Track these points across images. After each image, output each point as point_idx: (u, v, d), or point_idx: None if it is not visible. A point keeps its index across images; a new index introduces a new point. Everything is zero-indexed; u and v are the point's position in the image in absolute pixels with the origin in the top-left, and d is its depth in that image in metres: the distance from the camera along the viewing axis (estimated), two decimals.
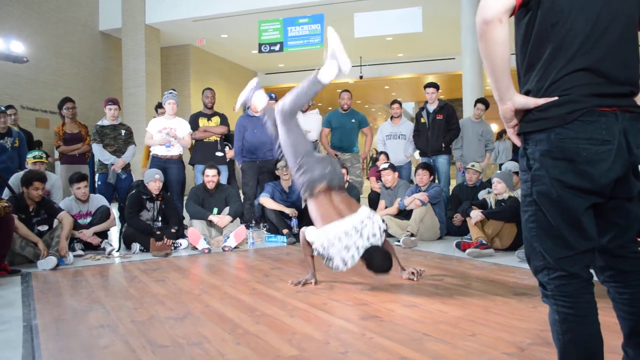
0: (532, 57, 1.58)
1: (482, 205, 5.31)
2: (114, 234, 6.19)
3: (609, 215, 1.61)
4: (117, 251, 5.42)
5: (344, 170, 6.70)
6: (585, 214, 1.54)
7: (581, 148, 1.48)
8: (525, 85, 1.61)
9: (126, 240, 5.58)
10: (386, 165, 6.49)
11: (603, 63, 1.50)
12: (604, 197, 1.55)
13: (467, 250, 4.88)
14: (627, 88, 1.53)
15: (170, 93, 6.61)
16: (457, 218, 5.98)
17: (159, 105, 7.14)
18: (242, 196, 6.70)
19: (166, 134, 6.31)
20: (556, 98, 1.51)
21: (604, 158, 1.48)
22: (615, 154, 1.49)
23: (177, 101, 6.55)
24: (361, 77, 16.65)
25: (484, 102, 7.50)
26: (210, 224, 5.81)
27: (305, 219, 6.41)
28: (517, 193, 5.47)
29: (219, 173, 5.99)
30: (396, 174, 6.50)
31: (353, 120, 7.44)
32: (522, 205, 1.64)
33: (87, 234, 5.38)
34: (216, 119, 6.96)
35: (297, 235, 5.91)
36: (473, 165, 6.34)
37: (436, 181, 6.76)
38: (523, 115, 1.58)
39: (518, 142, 1.63)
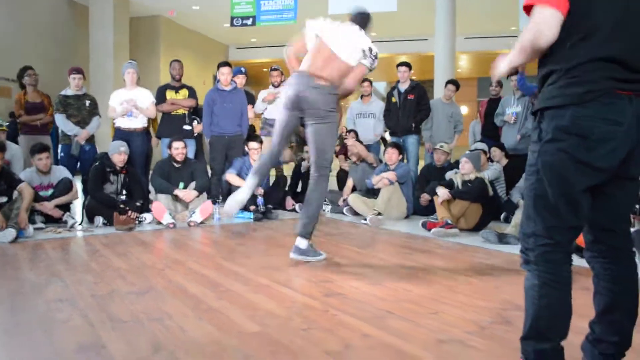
0: (558, 43, 1.63)
1: (449, 185, 5.35)
2: (77, 206, 6.05)
3: (611, 193, 1.71)
4: (79, 224, 5.31)
5: None
6: (584, 192, 1.65)
7: (595, 126, 1.58)
8: (546, 66, 1.69)
9: (89, 214, 5.46)
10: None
11: (625, 53, 1.60)
12: (608, 175, 1.64)
13: (433, 230, 4.92)
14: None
15: (130, 63, 6.46)
16: (424, 198, 6.01)
17: None
18: (209, 171, 6.61)
19: (126, 103, 6.17)
20: (575, 78, 1.61)
21: (614, 137, 1.58)
22: (625, 134, 1.59)
23: (136, 71, 6.40)
24: None
25: (454, 83, 7.52)
26: (176, 198, 5.72)
27: (271, 199, 6.39)
28: (484, 174, 5.53)
29: (185, 146, 5.89)
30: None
31: None
32: (526, 174, 1.74)
33: (48, 207, 5.25)
34: (184, 92, 6.82)
35: (264, 213, 5.88)
36: (442, 146, 6.37)
37: (405, 161, 6.78)
38: (543, 94, 1.69)
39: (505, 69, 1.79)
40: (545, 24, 1.58)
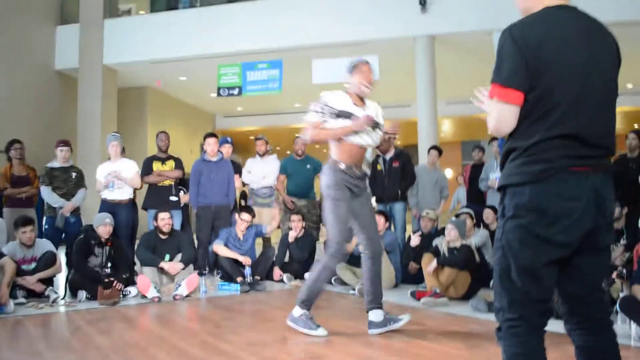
0: (521, 121, 1.72)
1: (435, 252, 5.34)
2: (60, 280, 5.93)
3: (579, 266, 1.74)
4: (62, 299, 5.19)
5: (299, 217, 6.68)
6: (546, 267, 1.68)
7: (551, 203, 1.65)
8: (509, 142, 1.78)
9: (72, 288, 5.35)
10: None
11: (580, 131, 1.68)
12: (568, 250, 1.68)
13: (422, 300, 4.87)
14: (603, 151, 1.74)
15: (113, 136, 6.52)
16: (412, 266, 5.98)
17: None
18: (195, 242, 6.56)
19: (109, 175, 6.19)
20: (533, 157, 1.69)
21: (572, 213, 1.65)
22: (584, 209, 1.65)
23: (120, 143, 6.45)
24: None
25: (437, 149, 7.66)
26: (162, 271, 5.64)
27: (259, 270, 6.33)
28: (471, 241, 5.53)
29: (171, 217, 5.87)
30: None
31: (308, 166, 7.45)
32: (493, 249, 1.81)
33: (30, 281, 5.14)
34: (170, 163, 6.86)
35: (251, 284, 5.80)
36: (428, 213, 6.40)
37: (392, 228, 6.79)
38: (505, 171, 1.78)
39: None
40: (504, 121, 1.70)
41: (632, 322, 3.54)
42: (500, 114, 1.70)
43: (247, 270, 5.89)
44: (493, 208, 6.39)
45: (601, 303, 1.79)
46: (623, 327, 3.73)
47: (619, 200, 4.83)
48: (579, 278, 1.75)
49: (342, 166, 3.80)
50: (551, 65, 1.68)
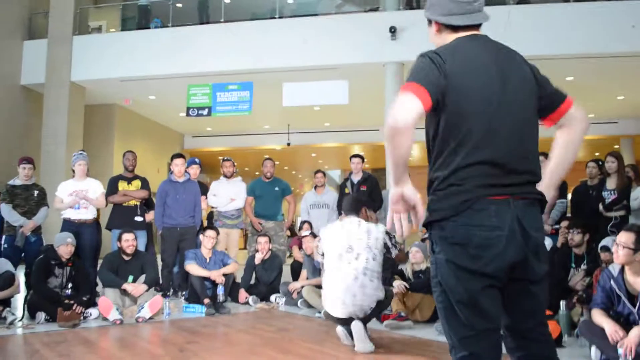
0: (438, 150, 1.73)
1: (400, 275, 5.37)
2: (19, 301, 5.76)
3: (515, 298, 1.70)
4: (19, 320, 5.03)
5: (266, 239, 6.66)
6: (483, 294, 1.63)
7: (472, 234, 1.61)
8: (431, 172, 1.75)
9: (31, 309, 5.20)
10: (307, 233, 6.50)
11: (497, 157, 1.66)
12: (499, 281, 1.65)
13: (385, 322, 4.88)
14: (525, 177, 1.70)
15: (81, 154, 6.41)
16: None
17: None
18: (160, 263, 6.46)
19: (75, 195, 6.07)
20: (452, 189, 1.66)
21: (495, 243, 1.61)
22: (507, 239, 1.62)
23: (87, 162, 6.35)
24: (289, 144, 16.86)
25: None
26: (125, 292, 5.53)
27: (233, 292, 6.27)
28: None
29: (135, 238, 5.78)
30: (317, 239, 6.49)
31: (276, 189, 7.46)
32: (432, 286, 1.72)
33: None
34: (137, 183, 6.78)
35: (218, 306, 5.73)
36: (394, 236, 6.44)
37: None
38: (428, 205, 1.73)
39: (389, 225, 1.76)
40: (402, 109, 1.59)
41: (591, 345, 3.62)
42: (403, 103, 1.59)
43: (220, 289, 5.82)
44: None
45: (545, 341, 1.75)
46: (584, 350, 3.81)
47: (582, 227, 4.95)
48: (518, 311, 1.72)
49: None
50: (462, 92, 1.67)
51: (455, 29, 1.81)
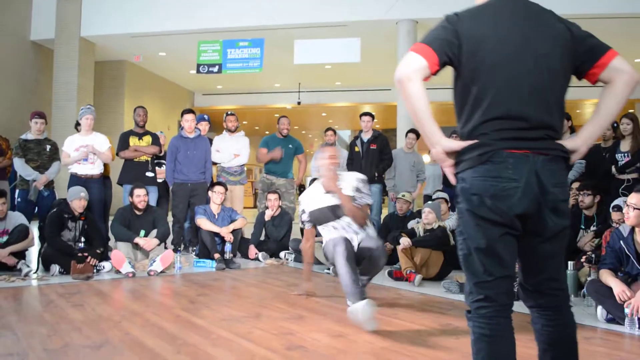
0: (460, 107, 1.80)
1: (411, 234, 5.40)
2: (33, 254, 5.87)
3: (526, 251, 1.77)
4: (34, 273, 5.13)
5: (276, 195, 6.69)
6: (499, 243, 1.71)
7: (489, 185, 1.69)
8: (458, 129, 1.83)
9: (45, 261, 5.30)
10: None
11: (516, 112, 1.71)
12: (515, 230, 1.72)
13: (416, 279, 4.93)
14: (543, 132, 1.72)
15: (88, 108, 6.38)
16: (387, 247, 6.04)
17: (78, 123, 6.85)
18: (171, 218, 6.53)
19: (84, 149, 6.10)
20: (474, 141, 1.73)
21: (511, 194, 1.67)
22: (523, 191, 1.67)
23: (94, 116, 6.35)
24: (299, 103, 16.77)
25: (415, 132, 7.69)
26: (136, 246, 5.62)
27: (242, 247, 6.35)
28: (446, 223, 5.61)
29: (147, 194, 5.83)
30: None
31: (290, 146, 7.44)
32: (457, 235, 1.82)
33: (2, 254, 5.07)
34: (147, 139, 6.79)
35: (228, 261, 5.81)
36: (403, 195, 6.46)
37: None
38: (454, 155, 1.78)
39: (453, 180, 1.81)
40: (407, 65, 1.71)
41: (598, 305, 3.65)
42: (411, 62, 1.72)
43: (228, 247, 5.89)
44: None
45: (553, 295, 1.80)
46: (590, 309, 3.85)
47: (593, 188, 4.93)
48: (527, 264, 1.80)
49: None
50: (478, 49, 1.72)
51: None
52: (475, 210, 1.71)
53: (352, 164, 7.24)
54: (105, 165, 6.43)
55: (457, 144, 1.75)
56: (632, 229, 3.63)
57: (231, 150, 7.15)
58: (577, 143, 1.79)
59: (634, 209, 3.50)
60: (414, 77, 1.70)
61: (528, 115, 1.70)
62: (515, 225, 1.71)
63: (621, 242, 3.67)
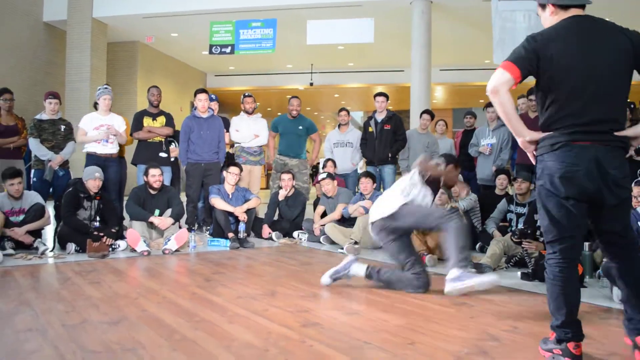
0: (541, 105, 2.39)
1: None
2: (49, 233, 5.93)
3: (598, 217, 2.35)
4: (50, 251, 5.19)
5: (290, 175, 6.69)
6: (566, 212, 2.29)
7: (558, 168, 2.27)
8: (540, 121, 2.40)
9: (61, 240, 5.36)
10: (324, 175, 6.51)
11: (583, 110, 2.26)
12: (580, 202, 2.28)
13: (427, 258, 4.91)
14: (607, 126, 2.26)
15: (106, 88, 6.39)
16: None
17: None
18: (185, 198, 6.56)
19: (106, 129, 6.12)
20: (549, 133, 2.33)
21: (575, 176, 2.25)
22: (584, 174, 2.23)
23: (111, 96, 6.37)
24: (311, 84, 16.70)
25: (429, 113, 7.64)
26: (151, 225, 5.65)
27: (256, 227, 6.38)
28: (459, 204, 5.59)
29: (162, 173, 5.85)
30: (335, 182, 6.52)
31: (300, 127, 7.42)
32: (537, 203, 2.43)
33: (19, 232, 5.14)
34: (161, 119, 6.80)
35: (242, 240, 5.84)
36: None
37: (381, 190, 6.82)
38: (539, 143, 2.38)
39: (534, 161, 2.43)
40: (499, 82, 2.28)
41: (613, 286, 3.62)
42: (499, 77, 2.29)
43: (242, 226, 5.92)
44: (506, 172, 6.31)
45: (626, 240, 2.35)
46: (605, 290, 3.82)
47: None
48: (604, 229, 2.36)
49: None
50: (552, 61, 2.27)
51: (566, 8, 2.36)
52: (549, 187, 2.30)
53: (366, 145, 7.21)
54: (120, 146, 6.46)
55: (537, 135, 2.36)
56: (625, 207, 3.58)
57: (250, 130, 7.16)
58: (630, 132, 2.31)
59: None
60: (502, 89, 2.28)
61: (592, 113, 2.25)
62: (582, 199, 2.27)
63: (638, 223, 3.64)
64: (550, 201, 2.31)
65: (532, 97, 6.46)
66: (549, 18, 2.41)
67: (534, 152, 2.41)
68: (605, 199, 2.25)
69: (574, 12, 2.36)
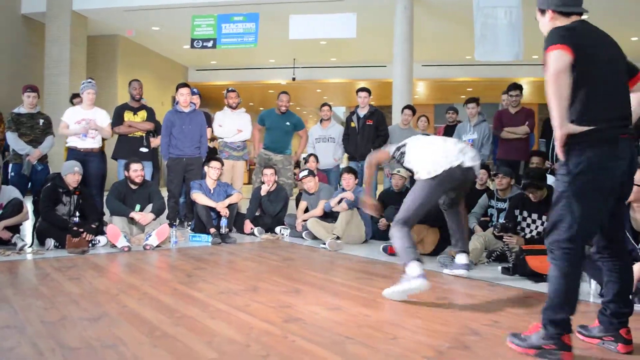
0: (574, 98, 2.29)
1: None
2: (27, 228, 5.85)
3: (614, 215, 2.43)
4: (29, 247, 5.12)
5: (272, 170, 6.67)
6: (601, 206, 2.33)
7: (607, 162, 2.28)
8: (570, 114, 2.31)
9: (40, 236, 5.28)
10: (305, 172, 6.50)
11: (614, 102, 2.35)
12: (614, 196, 2.35)
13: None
14: (628, 120, 2.39)
15: (89, 82, 6.31)
16: (383, 222, 6.06)
17: (74, 96, 6.74)
18: (165, 193, 6.50)
19: (86, 123, 6.04)
20: (592, 127, 2.27)
21: (619, 170, 2.30)
22: (626, 168, 2.32)
23: (95, 90, 6.28)
24: (294, 79, 16.66)
25: (411, 108, 7.66)
26: (132, 221, 5.60)
27: (238, 222, 6.35)
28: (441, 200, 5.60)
29: (143, 168, 5.79)
30: (316, 178, 6.53)
31: (288, 123, 7.40)
32: (560, 196, 2.35)
33: None
34: (142, 114, 6.71)
35: (223, 236, 5.81)
36: (399, 171, 6.44)
37: (363, 186, 6.82)
38: (568, 137, 2.30)
39: (562, 157, 2.32)
40: (561, 63, 2.20)
41: (592, 279, 3.67)
42: (558, 59, 2.20)
43: (224, 221, 5.89)
44: (487, 167, 6.30)
45: (624, 238, 2.57)
46: (583, 284, 3.87)
47: None
48: (615, 221, 2.45)
49: None
50: (585, 57, 2.26)
51: (568, 15, 2.41)
52: (591, 180, 2.27)
53: (349, 140, 7.22)
54: (102, 140, 6.38)
55: (579, 128, 2.26)
56: (629, 205, 3.63)
57: (233, 126, 7.13)
58: None
59: (637, 185, 3.50)
60: (566, 72, 2.20)
61: (619, 107, 2.36)
62: (615, 193, 2.35)
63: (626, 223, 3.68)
64: (590, 195, 2.28)
65: (513, 92, 6.54)
66: (548, 24, 2.44)
67: (563, 146, 2.30)
68: (626, 194, 2.42)
69: (574, 19, 2.40)
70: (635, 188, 3.52)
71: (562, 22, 2.40)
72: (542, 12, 2.48)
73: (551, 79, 2.19)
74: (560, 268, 2.33)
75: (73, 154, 6.03)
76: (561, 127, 2.24)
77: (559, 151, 2.33)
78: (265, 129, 7.47)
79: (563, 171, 2.33)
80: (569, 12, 2.41)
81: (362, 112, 7.16)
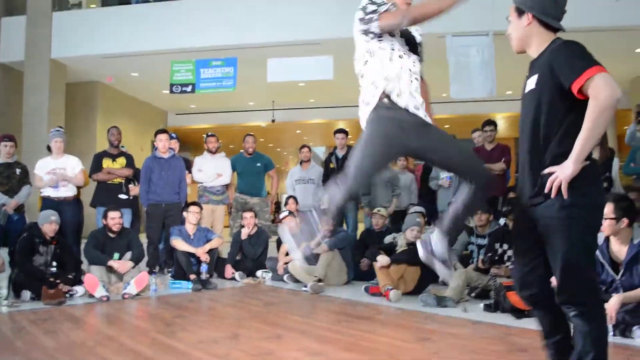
0: (565, 132, 2.07)
1: (389, 249, 5.42)
2: (3, 280, 5.70)
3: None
4: (4, 299, 4.99)
5: (252, 213, 6.65)
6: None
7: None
8: (560, 148, 2.07)
9: (16, 288, 5.16)
10: (286, 213, 6.50)
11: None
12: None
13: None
14: None
15: (57, 131, 6.30)
16: (364, 263, 6.05)
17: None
18: (145, 239, 6.44)
19: (54, 174, 6.01)
20: (589, 162, 2.02)
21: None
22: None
23: (64, 139, 6.27)
24: (273, 121, 16.77)
25: None
26: (110, 269, 5.51)
27: (219, 267, 6.29)
28: (424, 237, 5.62)
29: (122, 216, 5.74)
30: (297, 219, 6.51)
31: (258, 164, 7.45)
32: (584, 232, 2.08)
33: None
34: (121, 160, 6.71)
35: (204, 282, 5.75)
36: (379, 210, 6.48)
37: (344, 226, 6.84)
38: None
39: (566, 194, 2.02)
40: (613, 84, 1.94)
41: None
42: (615, 84, 1.94)
43: (204, 267, 5.84)
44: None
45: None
46: None
47: None
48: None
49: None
50: None
51: (548, 28, 2.14)
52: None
53: (327, 180, 7.25)
54: (77, 188, 6.33)
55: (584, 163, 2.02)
56: (607, 238, 3.69)
57: (213, 170, 7.14)
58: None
59: (605, 218, 3.55)
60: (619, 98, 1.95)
61: None
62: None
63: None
64: (594, 237, 2.17)
65: (487, 128, 6.67)
66: (523, 29, 2.17)
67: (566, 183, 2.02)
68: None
69: (552, 36, 2.16)
70: (607, 222, 3.58)
71: (539, 32, 2.14)
72: (520, 13, 2.18)
73: (611, 106, 1.94)
74: (603, 328, 2.10)
75: (47, 203, 5.96)
76: (582, 162, 1.99)
77: (564, 188, 2.01)
78: (235, 173, 7.50)
79: (577, 206, 2.03)
80: (553, 27, 2.16)
81: (341, 152, 7.23)
